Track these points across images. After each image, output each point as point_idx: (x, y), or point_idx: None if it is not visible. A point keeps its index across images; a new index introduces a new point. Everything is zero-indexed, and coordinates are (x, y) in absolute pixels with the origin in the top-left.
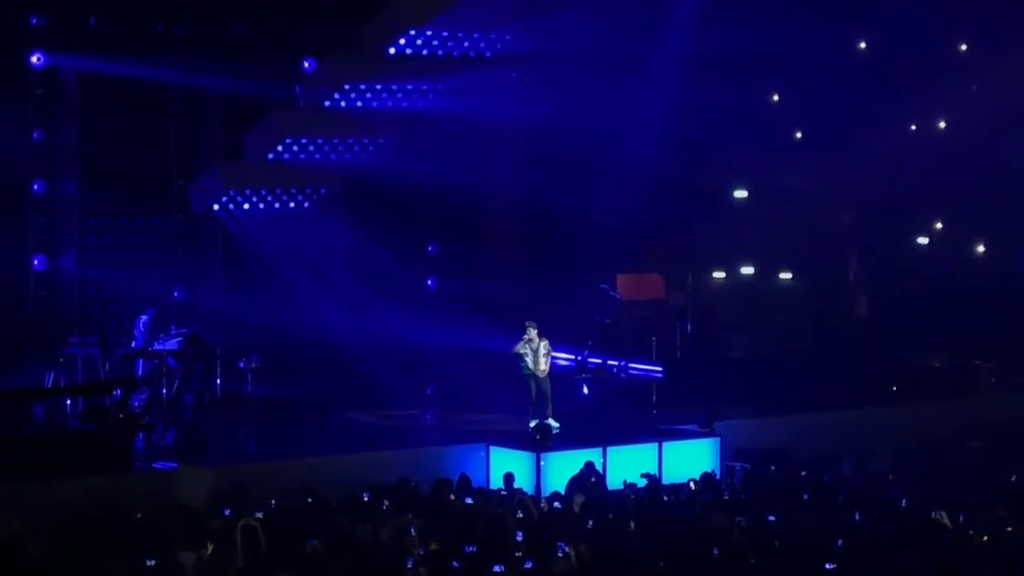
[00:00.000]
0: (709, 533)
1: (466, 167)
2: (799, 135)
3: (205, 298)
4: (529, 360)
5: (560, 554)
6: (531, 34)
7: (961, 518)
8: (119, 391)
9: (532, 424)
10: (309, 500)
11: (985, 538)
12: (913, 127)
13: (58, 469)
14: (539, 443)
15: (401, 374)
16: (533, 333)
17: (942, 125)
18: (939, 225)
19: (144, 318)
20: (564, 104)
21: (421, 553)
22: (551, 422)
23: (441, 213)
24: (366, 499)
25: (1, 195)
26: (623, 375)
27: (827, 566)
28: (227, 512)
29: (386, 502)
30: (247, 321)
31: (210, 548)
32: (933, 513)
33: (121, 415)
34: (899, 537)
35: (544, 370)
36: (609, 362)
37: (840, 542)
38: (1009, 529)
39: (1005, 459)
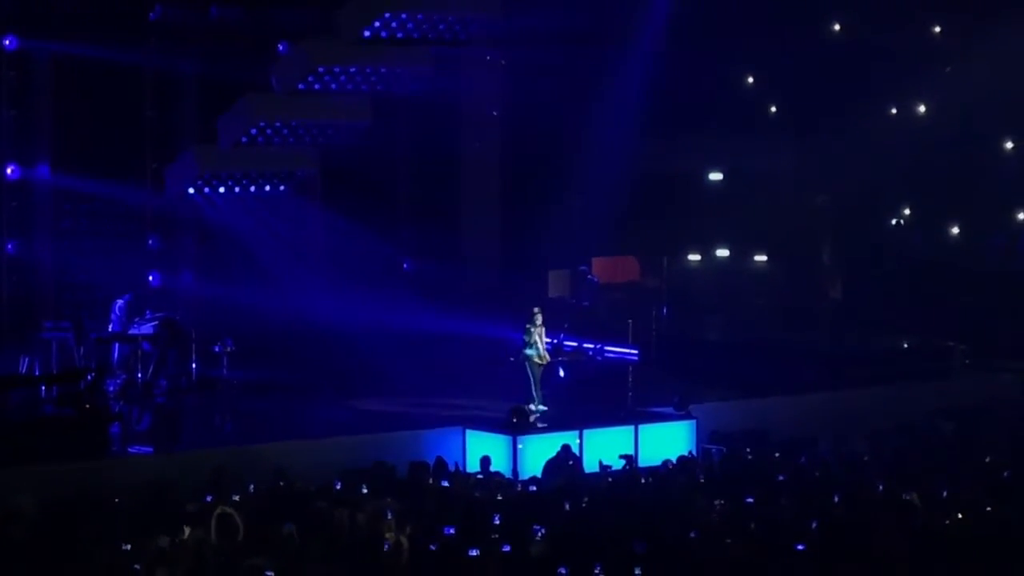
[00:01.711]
0: (686, 515)
1: (441, 150)
2: (774, 118)
3: (180, 282)
4: (540, 346)
5: (538, 537)
6: (506, 17)
7: (934, 499)
8: (89, 378)
9: (542, 408)
10: (281, 483)
11: (959, 516)
12: (890, 110)
13: (34, 455)
14: (515, 426)
15: (377, 358)
16: (540, 319)
17: (917, 108)
18: (913, 208)
19: (120, 302)
20: (539, 87)
21: (398, 536)
22: (539, 407)
23: (416, 196)
24: (343, 483)
25: None
26: (599, 358)
27: (798, 547)
28: (207, 497)
29: (364, 487)
30: (222, 305)
31: (187, 532)
32: (904, 494)
33: (88, 404)
34: (872, 518)
35: (545, 356)
36: (585, 345)
37: (814, 524)
38: (988, 509)
39: (979, 441)
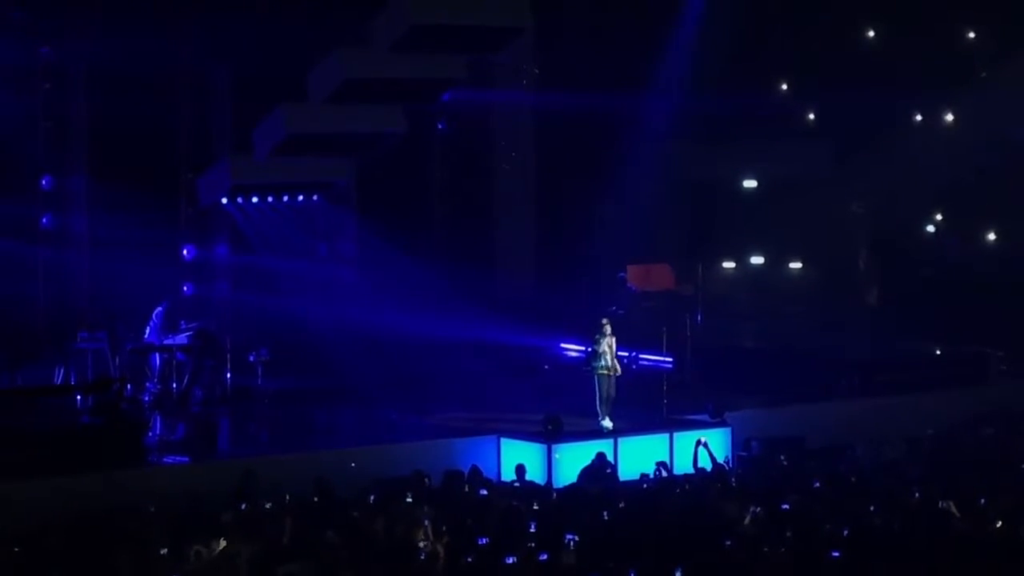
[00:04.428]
0: (721, 522)
1: (475, 159)
2: (808, 125)
3: (214, 292)
4: (608, 357)
5: (571, 546)
6: (538, 25)
7: (972, 507)
8: (116, 387)
9: (607, 424)
10: (316, 499)
11: (999, 525)
12: (925, 116)
13: (71, 465)
14: (550, 434)
15: (411, 366)
16: (609, 329)
17: (951, 114)
18: (948, 214)
19: (159, 309)
20: (574, 94)
21: (434, 545)
22: (608, 421)
23: (450, 205)
24: (379, 491)
25: (10, 189)
26: (634, 366)
27: (833, 554)
28: (240, 505)
29: (405, 495)
30: (257, 315)
31: (222, 541)
32: (940, 502)
33: (119, 413)
34: (908, 526)
35: (615, 368)
36: (620, 353)
37: (846, 532)
38: (1012, 514)
39: (1016, 447)
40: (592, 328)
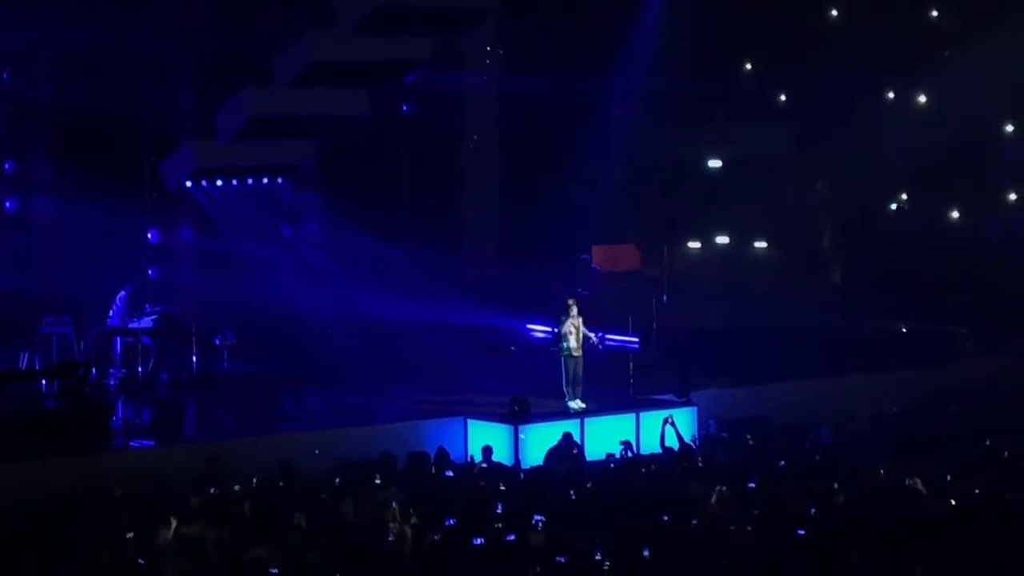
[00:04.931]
0: (687, 502)
1: (441, 140)
2: (772, 104)
3: (179, 276)
4: (572, 339)
5: (539, 527)
6: (505, 6)
7: (938, 484)
8: (80, 372)
9: (577, 405)
10: (281, 484)
11: (953, 502)
12: (889, 95)
13: (36, 450)
14: (517, 415)
15: (377, 349)
16: (575, 310)
17: (915, 93)
18: (913, 192)
19: (122, 293)
20: (539, 75)
21: (402, 527)
22: (578, 403)
23: (416, 186)
24: (347, 474)
25: None
26: (600, 346)
27: (799, 532)
28: (208, 488)
29: (372, 477)
30: (222, 298)
31: (188, 525)
32: (906, 480)
33: (83, 398)
34: (874, 503)
35: (592, 338)
36: (587, 333)
37: (812, 510)
38: (992, 495)
39: (980, 424)
40: (558, 309)
